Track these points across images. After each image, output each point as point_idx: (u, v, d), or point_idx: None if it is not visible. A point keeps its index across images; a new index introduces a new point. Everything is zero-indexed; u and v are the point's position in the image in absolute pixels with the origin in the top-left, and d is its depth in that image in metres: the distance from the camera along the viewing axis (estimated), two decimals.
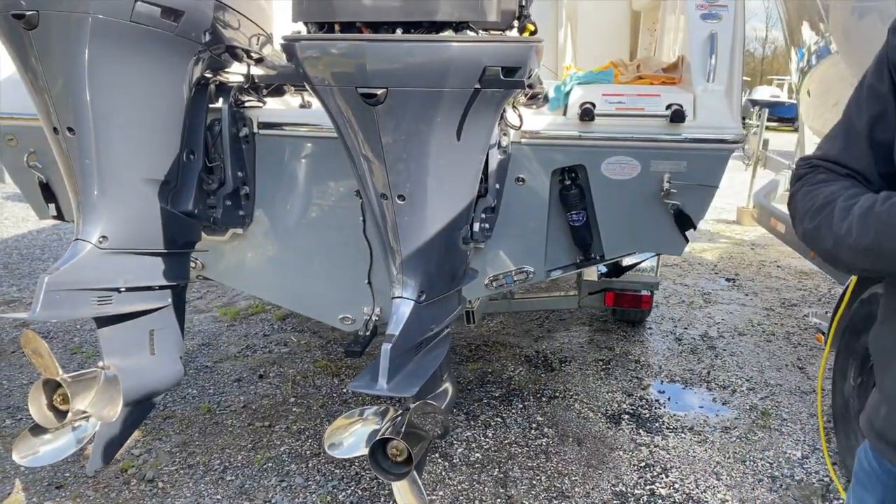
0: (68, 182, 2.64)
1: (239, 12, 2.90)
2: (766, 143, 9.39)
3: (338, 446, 2.76)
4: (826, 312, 3.99)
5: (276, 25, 3.30)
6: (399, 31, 2.25)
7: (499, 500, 3.39)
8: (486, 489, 3.47)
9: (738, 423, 4.19)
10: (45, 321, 5.21)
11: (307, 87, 2.42)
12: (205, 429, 3.97)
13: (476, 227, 2.94)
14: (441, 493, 3.44)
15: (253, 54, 3.12)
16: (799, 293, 6.97)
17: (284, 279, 3.49)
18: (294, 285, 3.49)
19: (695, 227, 3.03)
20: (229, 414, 4.15)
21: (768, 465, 3.76)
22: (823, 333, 3.92)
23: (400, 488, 2.70)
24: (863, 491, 1.56)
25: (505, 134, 2.92)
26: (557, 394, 4.51)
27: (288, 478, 3.53)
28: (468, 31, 2.30)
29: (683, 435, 4.04)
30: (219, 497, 3.37)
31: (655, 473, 3.65)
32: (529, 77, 2.44)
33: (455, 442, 3.88)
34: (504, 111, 2.79)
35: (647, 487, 3.53)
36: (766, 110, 10.49)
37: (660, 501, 3.42)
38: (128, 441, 3.66)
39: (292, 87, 3.26)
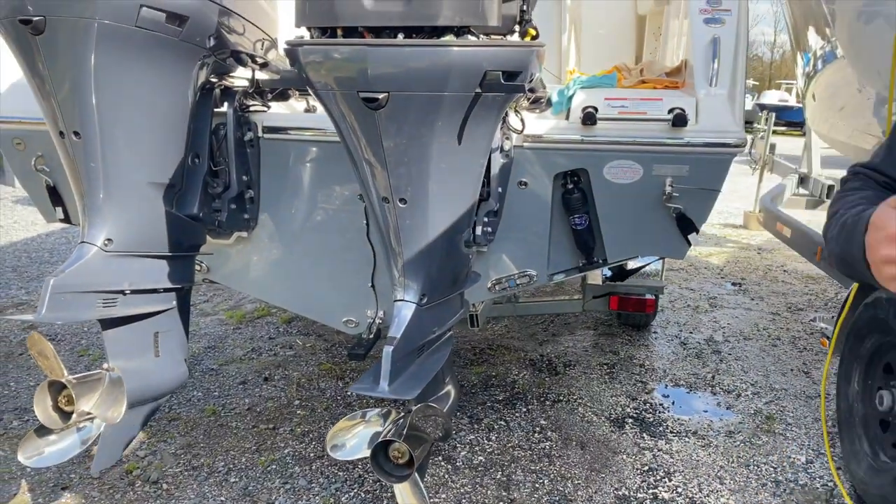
0: (74, 185, 2.67)
1: (243, 17, 2.93)
2: (773, 147, 9.37)
3: (340, 448, 2.78)
4: (832, 317, 3.99)
5: (281, 30, 3.33)
6: (401, 35, 2.27)
7: (501, 503, 3.39)
8: (489, 492, 3.48)
9: (743, 428, 4.18)
10: (51, 323, 5.25)
11: (310, 91, 2.44)
12: (209, 431, 3.99)
13: (478, 230, 2.96)
14: (444, 495, 3.45)
15: (258, 59, 3.16)
16: (805, 297, 6.95)
17: (288, 282, 3.52)
18: (298, 288, 3.51)
19: (697, 231, 3.04)
20: (234, 416, 4.17)
21: (772, 469, 3.75)
22: (828, 338, 3.91)
23: (402, 490, 2.71)
24: None
25: (507, 138, 2.93)
26: (561, 397, 4.51)
27: (291, 480, 3.55)
28: (469, 36, 2.31)
29: (687, 439, 4.04)
30: (222, 499, 3.39)
31: (658, 477, 3.65)
32: (531, 81, 2.45)
33: (458, 445, 3.89)
34: (506, 115, 2.81)
35: (650, 491, 3.52)
36: (773, 114, 10.47)
37: None
38: (133, 443, 3.70)
39: (297, 92, 3.29)
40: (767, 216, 7.05)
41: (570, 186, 3.08)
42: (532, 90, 2.73)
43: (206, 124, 3.04)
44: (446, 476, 3.60)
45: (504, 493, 3.47)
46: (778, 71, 46.44)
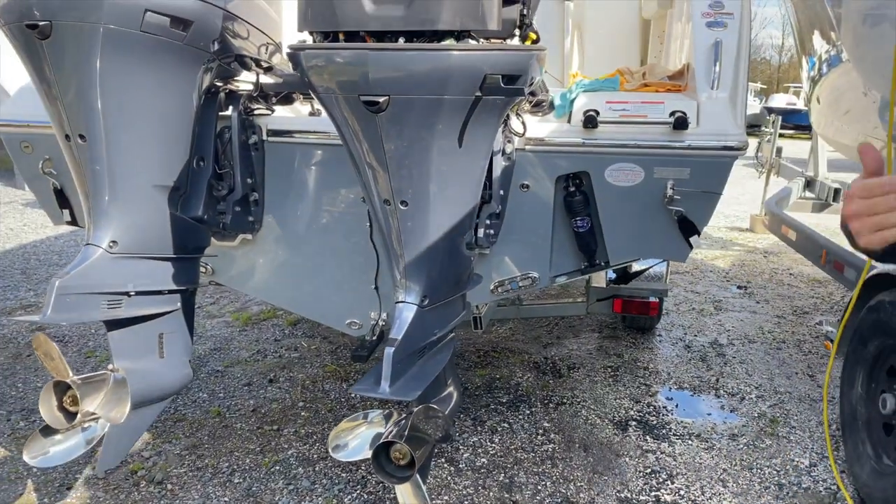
0: (80, 188, 2.70)
1: (248, 22, 2.96)
2: (779, 150, 9.34)
3: (341, 449, 2.80)
4: (837, 320, 3.98)
5: (286, 34, 3.36)
6: (402, 40, 2.30)
7: None
8: (491, 494, 3.49)
9: (746, 431, 4.18)
10: (57, 324, 5.29)
11: (312, 94, 2.46)
12: (214, 432, 4.02)
13: (481, 232, 2.97)
14: (446, 497, 3.46)
15: (262, 63, 3.19)
16: (811, 301, 6.94)
17: (293, 284, 3.54)
18: (302, 290, 3.54)
19: (699, 234, 3.05)
20: (239, 417, 4.20)
21: (775, 472, 3.74)
22: (832, 341, 3.91)
23: (403, 491, 2.73)
24: None
25: (509, 141, 2.95)
26: (565, 400, 4.52)
27: (295, 481, 3.57)
28: (469, 40, 2.33)
29: (690, 442, 4.04)
30: (226, 499, 3.41)
31: (661, 480, 3.65)
32: (531, 85, 2.47)
33: (461, 447, 3.90)
34: (508, 118, 2.83)
35: (653, 494, 3.53)
36: (780, 118, 10.46)
37: None
38: (138, 443, 3.75)
39: (301, 95, 3.31)
40: (773, 219, 7.04)
41: (572, 189, 3.09)
42: (533, 93, 2.75)
43: (210, 127, 3.07)
44: (449, 478, 3.61)
45: (506, 496, 3.48)
46: (786, 74, 46.31)
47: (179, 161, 2.88)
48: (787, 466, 3.80)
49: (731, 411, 4.45)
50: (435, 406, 2.61)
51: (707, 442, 4.04)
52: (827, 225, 10.25)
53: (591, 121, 2.90)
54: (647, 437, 4.07)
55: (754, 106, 34.38)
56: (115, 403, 2.69)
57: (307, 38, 2.53)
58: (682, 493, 3.55)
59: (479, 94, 2.26)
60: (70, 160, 2.67)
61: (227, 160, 3.16)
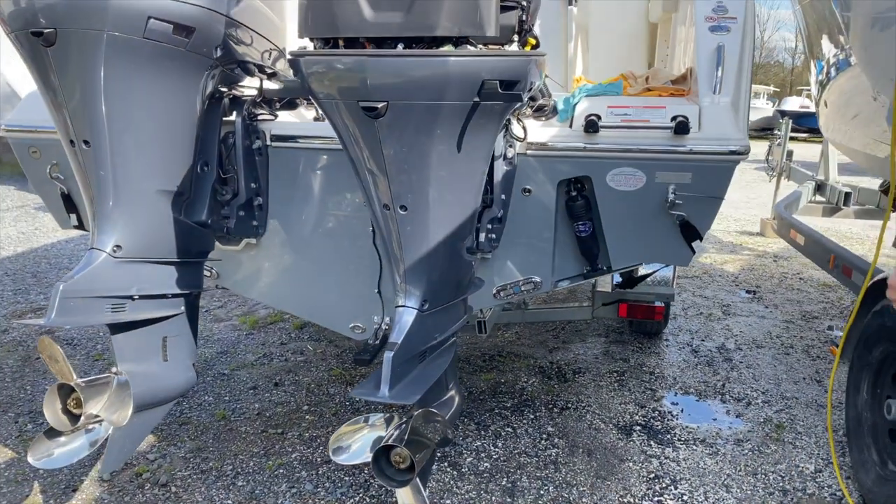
0: (84, 193, 2.74)
1: (250, 28, 2.99)
2: (790, 154, 9.28)
3: (342, 452, 2.81)
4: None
5: (290, 40, 3.39)
6: (400, 46, 2.31)
7: None
8: (494, 498, 3.49)
9: (751, 436, 4.16)
10: (61, 328, 5.34)
11: (312, 100, 2.49)
12: (219, 435, 4.04)
13: (482, 237, 2.99)
14: (448, 501, 3.46)
15: (266, 69, 3.22)
16: (821, 306, 6.89)
17: (297, 288, 3.57)
18: (306, 294, 3.56)
19: (701, 238, 3.04)
20: (243, 421, 4.22)
21: (780, 478, 3.72)
22: (837, 346, 3.89)
23: (403, 495, 2.74)
24: None
25: (510, 146, 2.96)
26: (570, 405, 4.52)
27: (298, 484, 3.58)
28: (468, 46, 2.35)
29: (695, 447, 4.02)
30: (229, 502, 3.43)
31: (664, 485, 3.64)
32: (530, 90, 2.48)
33: (464, 451, 3.90)
34: (509, 123, 2.84)
35: (656, 499, 3.52)
36: (790, 121, 10.41)
37: None
38: (143, 446, 3.78)
39: (305, 101, 3.34)
40: (781, 223, 7.01)
41: (574, 193, 3.10)
42: (533, 98, 2.76)
43: (214, 133, 3.10)
44: (451, 482, 3.62)
45: (508, 500, 3.48)
46: (799, 77, 46.06)
47: (183, 166, 2.92)
48: (791, 472, 3.78)
49: (736, 416, 4.43)
50: (435, 410, 2.62)
51: (712, 447, 4.03)
52: (837, 229, 10.23)
53: (592, 125, 2.90)
54: (652, 442, 4.06)
55: (767, 109, 34.24)
56: (118, 406, 2.72)
57: (309, 44, 2.55)
58: (685, 498, 3.54)
59: (476, 99, 2.28)
60: (75, 165, 2.71)
61: (231, 165, 3.19)
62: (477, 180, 2.62)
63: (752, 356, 5.45)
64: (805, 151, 13.11)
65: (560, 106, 3.07)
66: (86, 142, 2.60)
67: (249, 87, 3.24)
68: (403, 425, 2.71)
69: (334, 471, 3.67)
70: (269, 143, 3.25)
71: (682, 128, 2.83)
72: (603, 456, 3.90)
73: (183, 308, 3.10)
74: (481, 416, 4.31)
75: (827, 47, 5.67)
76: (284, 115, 3.32)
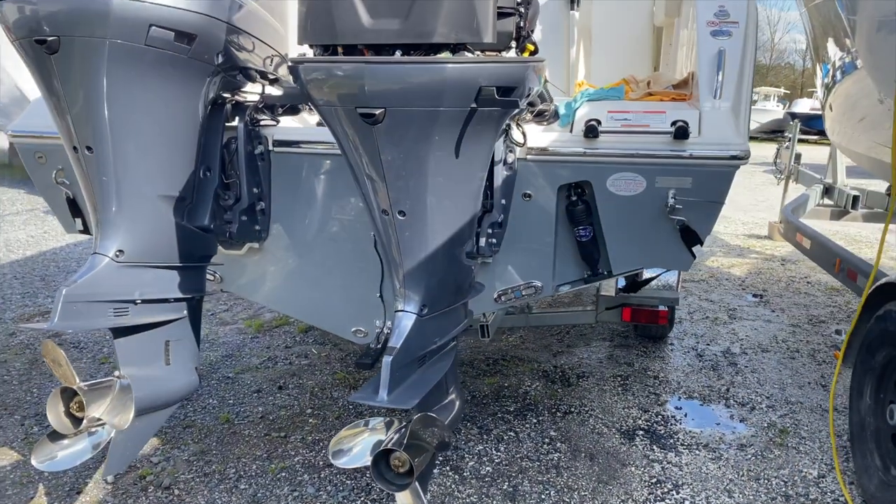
0: (87, 198, 2.77)
1: (252, 35, 3.01)
2: (798, 157, 9.24)
3: (342, 455, 2.83)
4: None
5: (292, 46, 3.41)
6: (398, 53, 2.33)
7: None
8: (495, 502, 3.49)
9: (755, 441, 4.15)
10: (64, 331, 5.38)
11: (312, 106, 2.51)
12: (222, 438, 4.07)
13: (483, 242, 3.00)
14: None
15: (269, 75, 3.24)
16: (828, 310, 6.86)
17: (299, 292, 3.59)
18: (308, 298, 3.58)
19: (701, 243, 3.04)
20: (247, 424, 4.24)
21: (782, 483, 3.71)
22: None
23: (403, 499, 2.74)
24: None
25: (511, 151, 2.97)
26: (573, 409, 4.52)
27: (300, 487, 3.60)
28: (465, 53, 2.36)
29: (698, 452, 4.02)
30: None
31: (666, 490, 3.63)
32: (528, 96, 2.49)
33: (466, 455, 3.91)
34: (509, 129, 2.85)
35: None
36: (799, 123, 10.37)
37: None
38: (147, 448, 3.81)
39: (307, 107, 3.36)
40: (788, 227, 6.99)
41: (575, 198, 3.10)
42: (532, 104, 2.77)
43: (217, 138, 3.13)
44: (453, 486, 3.63)
45: None
46: (810, 79, 45.78)
47: (185, 171, 2.94)
48: (794, 477, 3.77)
49: (740, 421, 4.42)
50: (433, 414, 2.62)
51: (714, 452, 4.02)
52: (846, 232, 10.18)
53: (592, 130, 2.91)
54: (654, 447, 4.05)
55: (777, 111, 34.09)
56: (119, 409, 2.74)
57: (309, 51, 2.57)
58: (686, 503, 3.53)
59: (474, 106, 2.29)
60: (78, 171, 2.74)
61: (233, 170, 3.21)
62: (475, 186, 2.64)
63: (757, 360, 5.43)
64: (816, 154, 13.01)
65: (562, 111, 3.07)
66: (88, 148, 2.63)
67: (252, 92, 3.27)
68: (403, 429, 2.72)
69: (336, 474, 3.69)
70: (271, 148, 3.27)
71: (681, 133, 2.83)
72: (605, 460, 3.90)
73: (185, 312, 3.13)
74: (484, 420, 4.32)
75: (832, 51, 5.66)
76: (287, 121, 3.34)
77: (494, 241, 3.06)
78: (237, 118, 3.18)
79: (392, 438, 2.71)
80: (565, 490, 3.62)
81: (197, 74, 2.80)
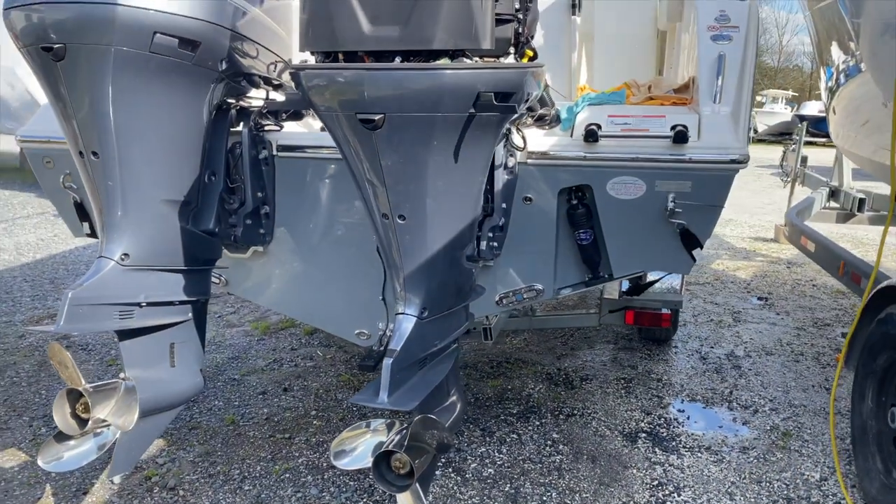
0: (93, 202, 2.81)
1: (256, 41, 3.05)
2: (804, 159, 9.23)
3: (344, 456, 2.85)
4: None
5: (296, 52, 3.45)
6: (398, 59, 2.36)
7: None
8: None
9: (757, 444, 4.15)
10: (76, 334, 5.43)
11: (314, 112, 2.54)
12: (227, 439, 4.11)
13: (484, 245, 3.02)
14: None
15: (273, 81, 3.28)
16: (833, 313, 6.85)
17: (303, 295, 3.62)
18: (312, 301, 3.62)
19: (701, 247, 3.06)
20: (252, 425, 4.28)
21: (784, 486, 3.72)
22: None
23: (403, 500, 2.77)
24: None
25: (511, 155, 3.00)
26: (576, 411, 4.53)
27: (303, 489, 3.63)
28: (464, 59, 2.39)
29: (700, 454, 4.03)
30: None
31: (668, 492, 3.65)
32: (527, 101, 2.52)
33: (469, 457, 3.94)
34: (509, 133, 2.88)
35: None
36: (805, 125, 10.35)
37: None
38: (153, 450, 3.85)
39: (311, 112, 3.39)
40: (792, 230, 6.98)
41: (575, 202, 3.13)
42: (531, 108, 2.79)
43: (222, 143, 3.17)
44: (455, 487, 3.65)
45: None
46: (818, 82, 45.60)
47: (190, 176, 2.98)
48: (796, 480, 3.77)
49: (743, 424, 4.42)
50: (434, 416, 2.65)
51: (717, 455, 4.03)
52: (854, 235, 10.15)
53: (592, 135, 2.93)
54: (656, 450, 4.07)
55: (786, 114, 33.97)
56: (124, 411, 2.78)
57: (311, 58, 2.61)
58: None
59: (472, 111, 2.32)
60: (84, 176, 2.78)
61: (238, 174, 3.25)
62: (475, 190, 2.66)
63: (761, 363, 5.44)
64: (824, 156, 12.96)
65: (563, 115, 3.10)
66: (94, 153, 2.67)
67: (256, 98, 3.31)
68: (404, 431, 2.74)
69: (339, 476, 3.72)
70: (275, 153, 3.31)
71: (680, 137, 2.85)
72: (607, 463, 3.92)
73: (190, 315, 3.16)
74: (487, 423, 4.34)
75: (836, 54, 5.66)
76: (291, 126, 3.38)
77: (496, 244, 3.09)
78: (242, 123, 3.21)
79: (393, 440, 2.74)
80: (567, 492, 3.63)
81: (201, 81, 2.84)
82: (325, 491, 3.62)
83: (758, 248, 9.83)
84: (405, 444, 2.60)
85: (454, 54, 2.37)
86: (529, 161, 3.03)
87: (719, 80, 2.99)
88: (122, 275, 2.80)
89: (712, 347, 5.76)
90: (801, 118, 24.79)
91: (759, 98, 42.28)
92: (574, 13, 4.90)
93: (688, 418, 4.49)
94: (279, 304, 3.84)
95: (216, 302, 6.57)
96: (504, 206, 3.07)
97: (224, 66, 2.88)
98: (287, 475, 3.75)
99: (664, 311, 4.87)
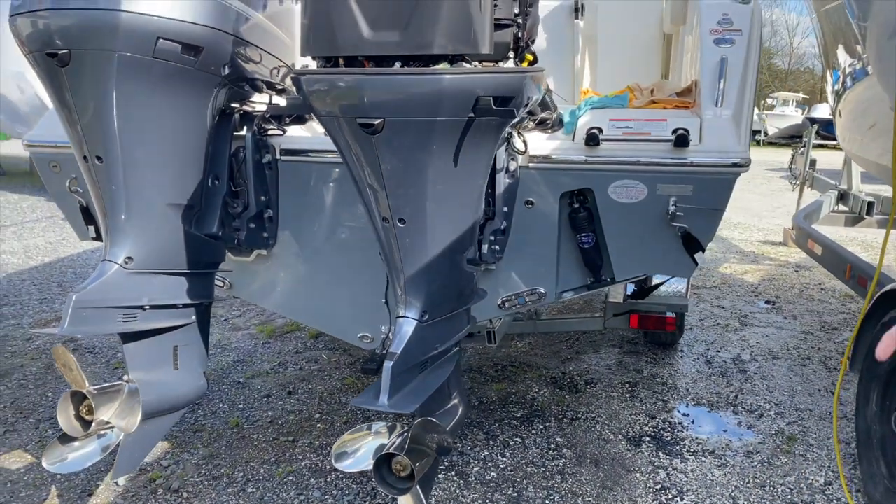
0: (97, 206, 2.84)
1: (258, 46, 3.07)
2: (813, 162, 9.19)
3: (345, 459, 2.86)
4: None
5: (299, 56, 3.47)
6: (398, 64, 2.37)
7: None
8: None
9: (762, 448, 4.14)
10: (82, 336, 5.47)
11: (315, 117, 2.56)
12: (232, 442, 4.13)
13: (485, 248, 3.03)
14: None
15: (276, 85, 3.31)
16: (841, 317, 6.82)
17: (307, 298, 3.64)
18: (316, 304, 3.63)
19: (703, 250, 3.06)
20: (256, 428, 4.30)
21: (788, 490, 3.70)
22: (849, 358, 3.86)
23: (404, 503, 2.78)
24: None
25: (512, 159, 3.01)
26: (580, 415, 4.53)
27: (306, 491, 3.65)
28: (463, 64, 2.40)
29: (703, 458, 4.02)
30: None
31: (671, 496, 3.64)
32: (526, 105, 2.53)
33: (472, 461, 3.94)
34: (511, 136, 2.89)
35: None
36: (815, 128, 10.31)
37: None
38: (157, 452, 3.87)
39: (313, 116, 3.42)
40: (800, 233, 6.95)
41: (577, 206, 3.13)
42: (532, 112, 2.80)
43: (225, 147, 3.19)
44: (457, 490, 3.66)
45: None
46: (826, 85, 45.36)
47: (193, 180, 3.00)
48: (801, 485, 3.76)
49: (748, 428, 4.41)
50: (434, 419, 2.66)
51: (721, 459, 4.01)
52: (862, 238, 10.09)
53: (593, 138, 2.94)
54: (660, 454, 4.06)
55: (796, 116, 33.85)
56: (127, 413, 2.80)
57: (312, 63, 2.63)
58: None
59: (471, 115, 2.33)
60: (88, 180, 2.81)
61: (241, 178, 3.28)
62: (475, 194, 2.67)
63: (767, 367, 5.41)
64: (836, 159, 12.89)
65: (565, 118, 3.11)
66: (98, 157, 2.70)
67: (259, 102, 3.33)
68: (405, 434, 2.75)
69: (342, 478, 3.73)
70: (278, 157, 3.34)
71: (681, 140, 2.86)
72: (610, 466, 3.91)
73: (194, 318, 3.18)
74: (490, 426, 4.35)
75: (843, 57, 5.64)
76: (294, 130, 3.40)
77: (497, 247, 3.10)
78: (245, 128, 3.24)
79: (394, 442, 2.75)
80: (569, 496, 3.63)
81: (204, 85, 2.86)
82: (328, 494, 3.63)
83: (766, 252, 9.80)
84: (406, 446, 2.61)
85: (453, 59, 2.38)
86: (531, 165, 3.04)
87: (721, 83, 2.99)
88: (125, 278, 2.82)
89: (718, 351, 5.74)
90: (812, 121, 24.71)
91: (769, 100, 42.16)
92: (577, 17, 4.90)
93: (692, 422, 4.48)
94: (282, 308, 3.86)
95: (222, 305, 6.61)
96: (506, 209, 3.08)
97: (227, 70, 2.90)
98: (290, 478, 3.77)
99: (669, 314, 4.86)
